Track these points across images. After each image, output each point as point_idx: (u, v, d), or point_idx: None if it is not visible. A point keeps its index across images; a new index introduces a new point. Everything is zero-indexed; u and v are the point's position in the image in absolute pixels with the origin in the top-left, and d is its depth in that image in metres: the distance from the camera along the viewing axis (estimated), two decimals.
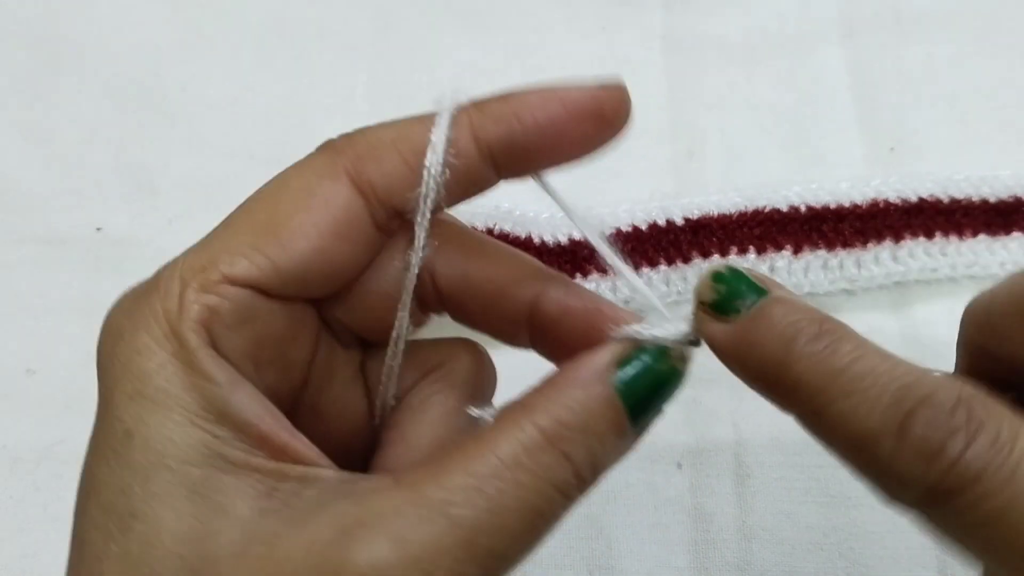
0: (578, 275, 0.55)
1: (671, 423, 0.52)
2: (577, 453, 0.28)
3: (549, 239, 0.55)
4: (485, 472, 0.27)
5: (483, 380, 0.36)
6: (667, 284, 0.56)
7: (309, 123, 0.64)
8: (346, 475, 0.29)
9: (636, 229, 0.55)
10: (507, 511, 0.27)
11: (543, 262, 0.55)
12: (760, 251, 0.56)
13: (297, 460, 0.29)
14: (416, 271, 0.32)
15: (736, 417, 0.53)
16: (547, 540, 0.29)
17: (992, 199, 0.58)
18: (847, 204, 0.56)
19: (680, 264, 0.55)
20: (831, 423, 0.28)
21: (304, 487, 0.28)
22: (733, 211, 0.56)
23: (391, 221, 0.31)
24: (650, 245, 0.55)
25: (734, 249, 0.55)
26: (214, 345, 0.29)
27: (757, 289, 0.31)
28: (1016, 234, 0.58)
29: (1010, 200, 0.58)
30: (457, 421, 0.34)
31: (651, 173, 0.61)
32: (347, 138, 0.32)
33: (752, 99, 0.64)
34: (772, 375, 0.29)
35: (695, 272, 0.55)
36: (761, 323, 0.30)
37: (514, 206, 0.56)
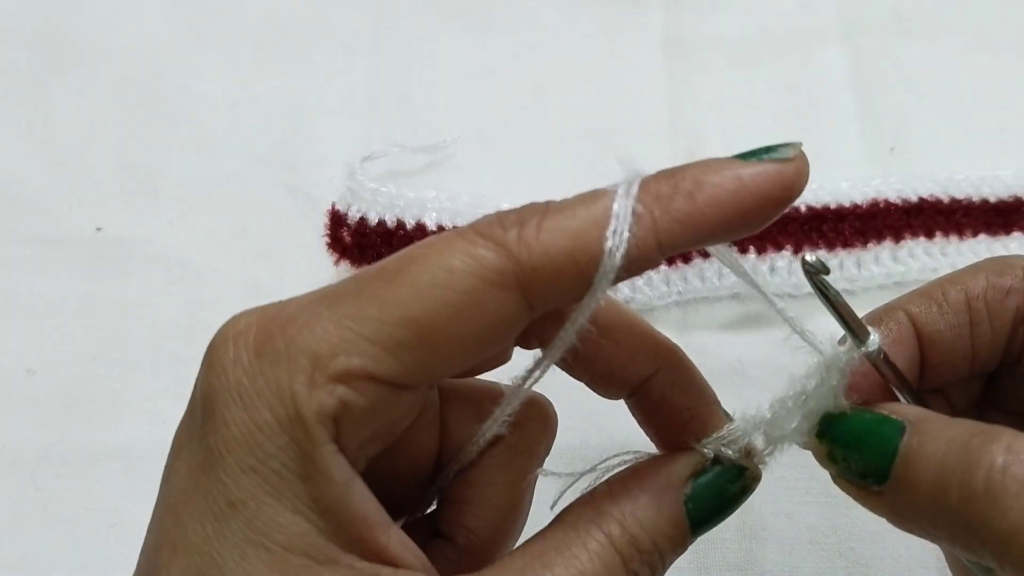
0: None
1: None
2: (643, 571, 0.30)
3: None
4: None
5: (551, 440, 0.36)
6: (667, 284, 0.56)
7: (309, 123, 0.64)
8: None
9: None
10: None
11: None
12: (760, 251, 0.56)
13: (391, 562, 0.29)
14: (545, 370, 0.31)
15: (736, 416, 0.53)
16: None
17: (992, 199, 0.58)
18: (847, 204, 0.56)
19: (680, 264, 0.55)
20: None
21: None
22: None
23: (544, 312, 0.29)
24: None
25: (734, 249, 0.55)
26: (336, 438, 0.28)
27: (875, 430, 0.31)
28: (1016, 234, 0.58)
29: (1010, 200, 0.58)
30: (529, 483, 0.35)
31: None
32: (521, 235, 0.28)
33: (752, 99, 0.64)
34: (943, 530, 0.29)
35: (695, 272, 0.55)
36: (908, 491, 0.30)
37: (514, 206, 0.56)
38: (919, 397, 0.34)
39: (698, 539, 0.50)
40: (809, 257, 0.30)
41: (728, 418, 0.34)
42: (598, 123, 0.64)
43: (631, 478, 0.31)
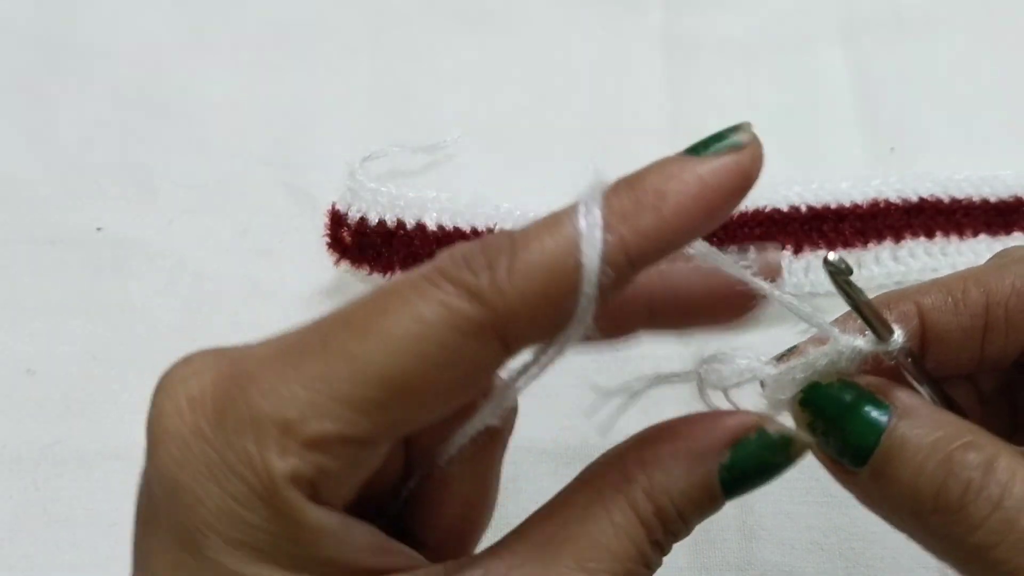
0: None
1: None
2: (668, 542, 0.29)
3: None
4: (596, 566, 0.27)
5: (511, 425, 0.35)
6: None
7: (309, 123, 0.64)
8: (451, 569, 0.28)
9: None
10: None
11: None
12: (760, 251, 0.55)
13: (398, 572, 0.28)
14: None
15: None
16: None
17: (993, 199, 0.58)
18: (847, 204, 0.56)
19: None
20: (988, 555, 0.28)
21: None
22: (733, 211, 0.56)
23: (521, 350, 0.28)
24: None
25: (734, 249, 0.55)
26: (315, 497, 0.26)
27: (860, 412, 0.30)
28: (1017, 234, 0.58)
29: (1011, 200, 0.58)
30: (494, 471, 0.34)
31: None
32: (492, 279, 0.26)
33: (752, 99, 0.64)
34: (912, 524, 0.30)
35: None
36: (884, 483, 0.30)
37: (514, 206, 0.56)
38: (946, 396, 0.33)
39: (698, 539, 0.50)
40: (832, 256, 0.29)
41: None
42: (598, 123, 0.63)
43: (664, 439, 0.29)
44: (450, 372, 0.26)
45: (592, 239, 0.26)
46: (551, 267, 0.26)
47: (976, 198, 0.58)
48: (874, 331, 0.31)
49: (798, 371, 0.31)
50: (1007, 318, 0.33)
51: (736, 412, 0.31)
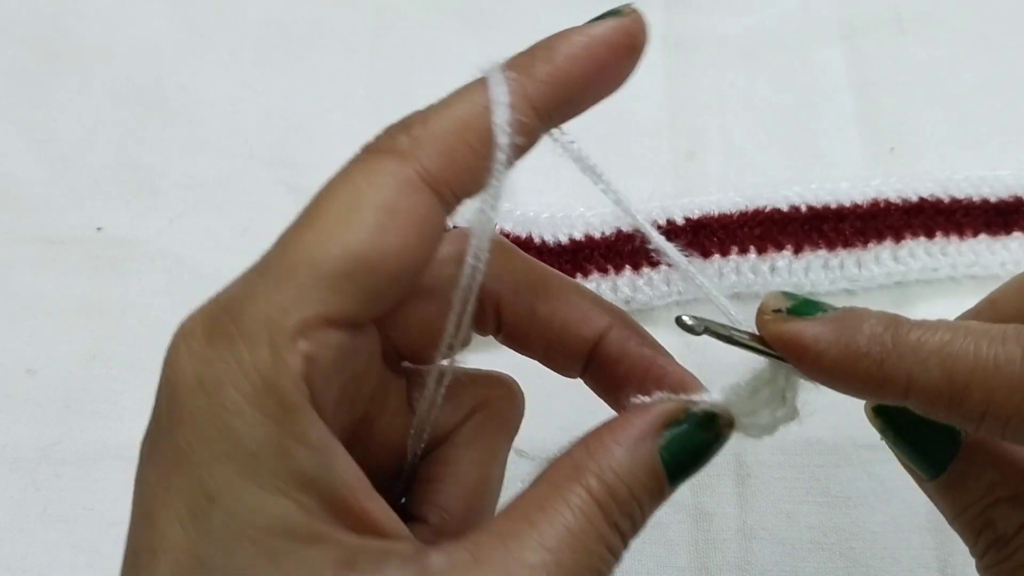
0: (578, 275, 0.55)
1: None
2: (624, 523, 0.30)
3: (549, 239, 0.55)
4: (557, 545, 0.28)
5: (519, 417, 0.37)
6: (667, 284, 0.56)
7: (309, 123, 0.64)
8: (420, 548, 0.29)
9: (637, 229, 0.55)
10: None
11: (543, 262, 0.55)
12: (760, 251, 0.56)
13: (376, 530, 0.28)
14: (480, 275, 0.32)
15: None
16: None
17: (992, 199, 0.58)
18: (847, 204, 0.56)
19: None
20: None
21: (382, 562, 0.27)
22: (733, 211, 0.56)
23: (458, 204, 0.31)
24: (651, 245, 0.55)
25: (735, 249, 0.55)
26: (312, 400, 0.27)
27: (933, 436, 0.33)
28: (1016, 234, 0.58)
29: (1010, 200, 0.58)
30: (500, 460, 0.36)
31: (651, 173, 0.61)
32: (410, 136, 0.29)
33: (752, 99, 0.64)
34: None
35: (695, 271, 0.55)
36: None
37: (514, 206, 0.56)
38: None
39: (698, 539, 0.50)
40: (684, 318, 0.32)
41: (690, 374, 0.35)
42: (598, 123, 0.63)
43: (605, 432, 0.31)
44: (396, 228, 0.28)
45: (497, 86, 0.30)
46: (463, 115, 0.29)
47: (976, 198, 0.58)
48: (780, 359, 0.32)
49: (743, 390, 0.33)
50: None
51: (666, 400, 0.32)
